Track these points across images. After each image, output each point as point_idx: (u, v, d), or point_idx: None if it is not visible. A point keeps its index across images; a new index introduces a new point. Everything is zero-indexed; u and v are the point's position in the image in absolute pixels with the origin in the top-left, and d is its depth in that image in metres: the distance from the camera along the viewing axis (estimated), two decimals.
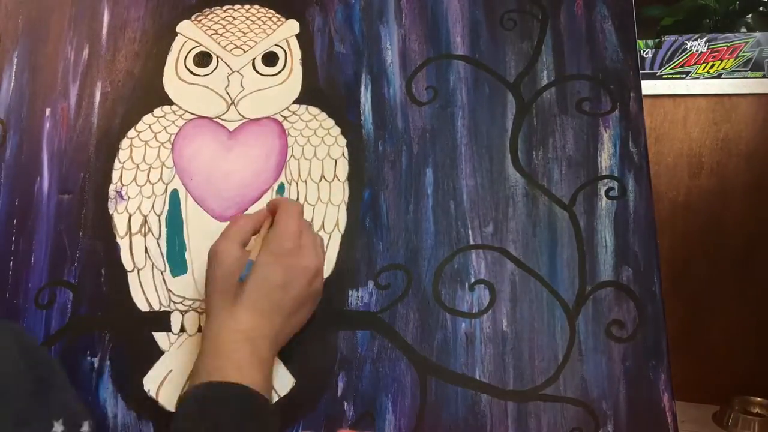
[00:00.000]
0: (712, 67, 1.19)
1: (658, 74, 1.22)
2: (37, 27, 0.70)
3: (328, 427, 0.55)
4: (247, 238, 0.55)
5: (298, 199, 0.61)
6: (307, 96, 0.65)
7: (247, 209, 0.62)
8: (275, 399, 0.56)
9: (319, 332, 0.57)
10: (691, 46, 1.20)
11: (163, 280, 0.61)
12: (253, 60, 0.66)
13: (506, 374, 0.56)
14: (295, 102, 0.65)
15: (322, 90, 0.65)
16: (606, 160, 0.60)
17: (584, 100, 0.62)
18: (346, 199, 0.61)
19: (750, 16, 1.25)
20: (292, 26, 0.67)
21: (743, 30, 1.23)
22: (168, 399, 0.56)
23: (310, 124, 0.64)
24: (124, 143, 0.65)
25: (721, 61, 1.18)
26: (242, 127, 0.64)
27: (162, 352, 0.58)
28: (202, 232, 0.61)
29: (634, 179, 0.59)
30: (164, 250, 0.61)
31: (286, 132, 0.64)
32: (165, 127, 0.65)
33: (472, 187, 0.60)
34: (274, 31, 0.67)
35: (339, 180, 0.62)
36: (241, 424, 0.47)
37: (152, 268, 0.61)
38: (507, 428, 0.54)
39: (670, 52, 1.21)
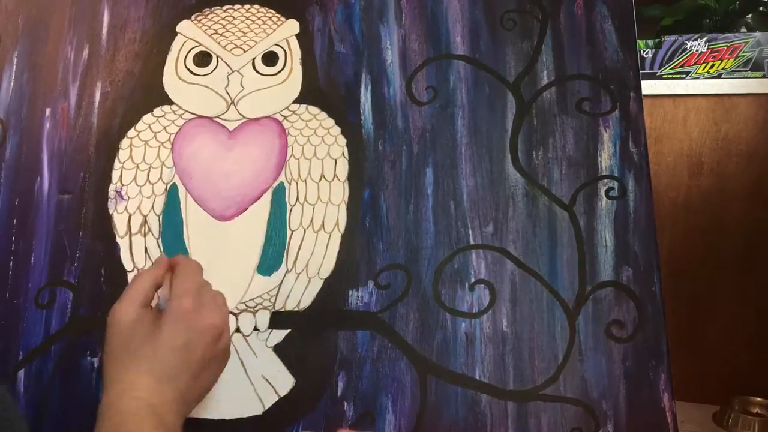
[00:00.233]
0: (712, 67, 1.19)
1: (658, 74, 1.22)
2: (37, 27, 0.70)
3: (328, 427, 0.55)
4: (148, 297, 0.52)
5: (298, 198, 0.61)
6: (307, 96, 0.65)
7: (247, 209, 0.62)
8: (275, 399, 0.56)
9: (319, 332, 0.58)
10: (691, 46, 1.19)
11: None
12: (253, 60, 0.66)
13: (506, 374, 0.56)
14: (295, 102, 0.65)
15: (322, 90, 0.65)
16: (606, 160, 0.60)
17: (584, 100, 0.62)
18: (346, 199, 0.61)
19: (750, 16, 1.25)
20: (292, 26, 0.67)
21: (743, 30, 1.23)
22: None
23: (310, 124, 0.64)
24: (124, 143, 0.65)
25: (721, 61, 1.18)
26: (242, 127, 0.64)
27: None
28: (201, 232, 0.61)
29: (634, 179, 0.59)
30: (164, 249, 0.61)
31: (286, 131, 0.64)
32: (165, 127, 0.65)
33: (472, 187, 0.60)
34: (274, 30, 0.67)
35: (339, 180, 0.62)
36: None
37: None
38: (507, 428, 0.54)
39: (670, 52, 1.21)
